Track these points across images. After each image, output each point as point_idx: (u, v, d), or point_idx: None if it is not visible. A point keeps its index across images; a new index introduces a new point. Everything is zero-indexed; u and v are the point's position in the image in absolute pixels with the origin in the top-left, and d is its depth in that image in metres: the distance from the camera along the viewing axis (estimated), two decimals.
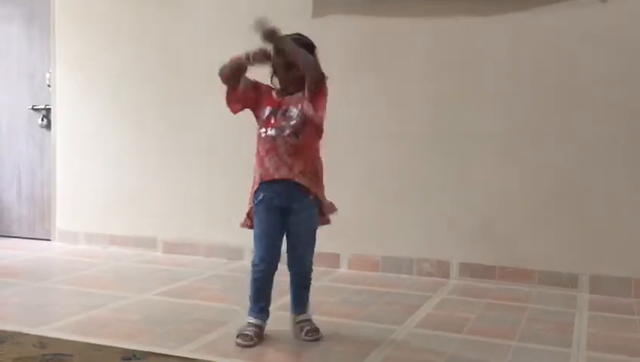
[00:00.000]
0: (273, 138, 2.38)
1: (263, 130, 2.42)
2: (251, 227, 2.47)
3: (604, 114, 3.37)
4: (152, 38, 4.34)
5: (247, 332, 2.41)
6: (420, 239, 3.72)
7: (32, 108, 4.75)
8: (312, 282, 2.55)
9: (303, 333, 2.47)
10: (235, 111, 2.49)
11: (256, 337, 2.41)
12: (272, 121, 2.40)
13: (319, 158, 2.48)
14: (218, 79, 2.44)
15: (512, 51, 3.52)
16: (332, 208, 2.51)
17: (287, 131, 2.36)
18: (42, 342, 2.38)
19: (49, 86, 4.66)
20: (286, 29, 2.43)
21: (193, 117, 4.22)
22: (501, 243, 3.56)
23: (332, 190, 3.77)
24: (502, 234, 3.56)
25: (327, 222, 2.52)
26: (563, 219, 3.45)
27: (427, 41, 3.67)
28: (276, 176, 2.37)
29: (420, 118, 3.71)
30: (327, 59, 3.81)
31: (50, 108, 4.68)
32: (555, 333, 2.66)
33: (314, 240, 2.49)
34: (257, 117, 2.48)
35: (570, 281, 3.42)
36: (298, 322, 2.50)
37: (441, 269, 3.67)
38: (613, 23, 3.33)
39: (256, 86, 2.48)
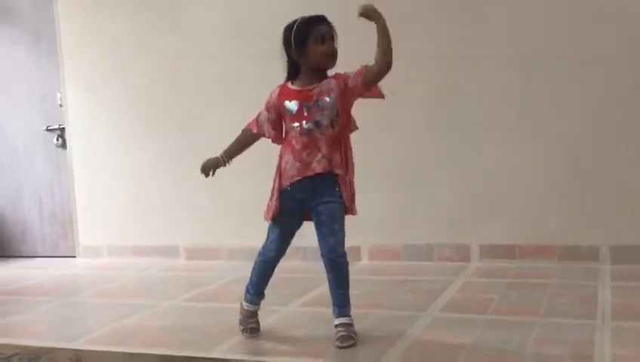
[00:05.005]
0: (310, 131, 2.33)
1: (297, 124, 2.35)
2: (272, 219, 2.45)
3: (614, 87, 3.36)
4: (154, 50, 4.39)
5: (253, 326, 2.55)
6: (438, 225, 3.74)
7: (47, 129, 4.84)
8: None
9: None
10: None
11: (257, 325, 2.57)
12: (306, 114, 2.33)
13: (351, 148, 2.41)
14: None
15: (515, 35, 3.51)
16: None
17: (325, 123, 2.32)
18: (77, 354, 2.44)
19: (61, 106, 4.74)
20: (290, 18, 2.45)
21: (204, 124, 4.26)
22: (519, 221, 3.57)
23: None
24: (519, 213, 3.57)
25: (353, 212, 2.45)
26: (579, 193, 3.46)
27: (435, 28, 3.68)
28: (318, 170, 2.32)
29: (431, 105, 3.72)
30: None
31: (64, 128, 4.76)
32: (579, 306, 2.67)
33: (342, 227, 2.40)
34: (284, 116, 2.41)
35: (590, 254, 3.42)
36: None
37: (462, 253, 3.69)
38: None
39: (267, 110, 2.45)
